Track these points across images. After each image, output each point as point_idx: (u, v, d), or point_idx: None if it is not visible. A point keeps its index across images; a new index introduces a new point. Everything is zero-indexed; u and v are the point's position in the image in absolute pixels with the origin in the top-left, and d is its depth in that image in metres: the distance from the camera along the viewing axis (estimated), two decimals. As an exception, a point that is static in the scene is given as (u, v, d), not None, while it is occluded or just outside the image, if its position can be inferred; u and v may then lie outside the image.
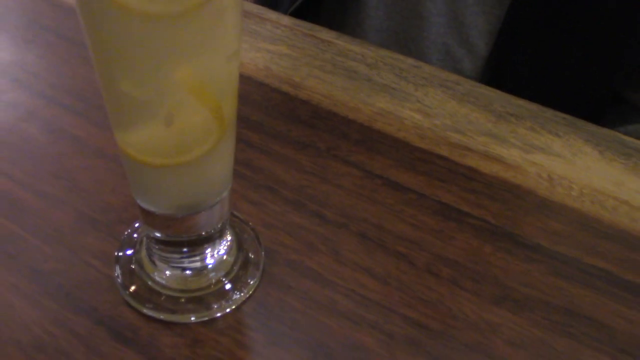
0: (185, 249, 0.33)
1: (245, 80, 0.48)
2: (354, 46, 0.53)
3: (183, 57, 0.24)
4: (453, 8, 0.63)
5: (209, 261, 0.34)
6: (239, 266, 0.36)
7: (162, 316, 0.33)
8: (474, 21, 0.63)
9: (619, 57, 0.62)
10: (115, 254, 0.36)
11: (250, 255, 0.36)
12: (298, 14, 0.66)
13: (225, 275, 0.35)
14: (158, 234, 0.33)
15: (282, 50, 0.52)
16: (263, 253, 0.36)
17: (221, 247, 0.35)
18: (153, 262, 0.35)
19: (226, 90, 0.28)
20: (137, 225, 0.37)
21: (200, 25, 0.23)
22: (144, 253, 0.35)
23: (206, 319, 0.33)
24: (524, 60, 0.63)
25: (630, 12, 0.59)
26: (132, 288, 0.34)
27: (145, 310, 0.33)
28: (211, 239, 0.34)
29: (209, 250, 0.34)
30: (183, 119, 0.26)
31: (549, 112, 0.49)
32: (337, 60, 0.51)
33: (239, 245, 0.36)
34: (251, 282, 0.35)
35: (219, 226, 0.34)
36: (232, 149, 0.31)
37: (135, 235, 0.37)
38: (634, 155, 0.45)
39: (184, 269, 0.34)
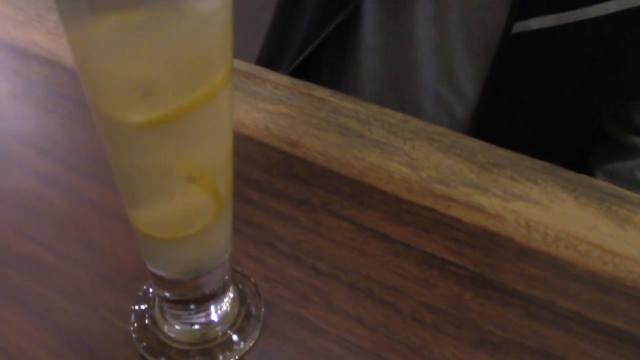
0: (192, 306, 0.38)
1: (247, 140, 0.53)
2: (347, 103, 0.57)
3: (180, 156, 0.28)
4: (442, 58, 0.68)
5: (213, 317, 0.38)
6: (242, 318, 0.40)
7: (173, 368, 0.37)
8: (462, 69, 0.67)
9: (605, 99, 0.66)
10: (131, 309, 0.40)
11: (251, 307, 0.40)
12: (300, 67, 0.71)
13: (230, 327, 0.39)
14: (167, 294, 0.37)
15: (280, 110, 0.56)
16: (263, 306, 0.40)
17: (224, 303, 0.39)
18: (164, 318, 0.39)
19: (222, 175, 0.32)
20: (149, 283, 0.42)
21: (192, 127, 0.28)
22: (156, 309, 0.39)
23: (213, 369, 0.37)
24: (511, 104, 0.67)
25: (614, 55, 0.63)
26: (146, 342, 0.38)
27: (157, 363, 0.37)
28: (215, 296, 0.38)
29: (213, 306, 0.38)
30: (185, 200, 0.31)
31: (528, 160, 0.52)
32: (331, 118, 0.56)
33: (241, 299, 0.40)
34: (253, 334, 0.39)
35: (221, 284, 0.38)
36: (229, 220, 0.35)
37: (150, 291, 0.41)
38: (608, 199, 0.49)
39: (192, 324, 0.38)
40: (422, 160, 0.52)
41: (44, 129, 0.54)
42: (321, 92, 0.59)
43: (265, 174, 0.50)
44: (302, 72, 0.72)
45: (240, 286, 0.41)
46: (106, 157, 0.31)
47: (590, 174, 0.69)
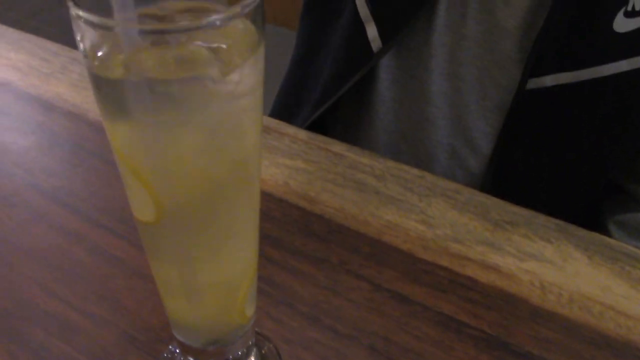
0: (216, 371, 0.39)
1: (266, 196, 0.54)
2: (364, 158, 0.59)
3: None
4: (457, 113, 0.69)
5: (236, 381, 0.39)
6: (263, 380, 0.41)
7: None
8: (476, 124, 0.69)
9: (617, 152, 0.67)
10: (155, 370, 0.41)
11: (272, 370, 0.41)
12: (317, 120, 0.72)
13: (251, 390, 0.40)
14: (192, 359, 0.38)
15: (298, 165, 0.58)
16: (284, 369, 0.41)
17: (247, 367, 0.40)
18: (189, 381, 0.40)
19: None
20: (174, 344, 0.43)
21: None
22: (180, 371, 0.40)
23: None
24: (524, 158, 0.68)
25: (626, 111, 0.64)
26: (170, 405, 0.39)
27: None
28: (238, 361, 0.39)
29: (236, 371, 0.39)
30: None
31: (541, 218, 0.53)
32: (347, 173, 0.57)
33: (262, 361, 0.41)
34: (274, 397, 0.40)
35: (245, 350, 0.39)
36: (254, 296, 0.37)
37: (176, 351, 0.42)
38: (620, 259, 0.50)
39: (216, 387, 0.39)
40: (437, 217, 0.53)
41: (69, 184, 0.56)
42: (338, 146, 0.60)
43: (284, 231, 0.51)
44: (318, 123, 0.73)
45: (262, 351, 0.42)
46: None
47: (602, 224, 0.70)
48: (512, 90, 0.65)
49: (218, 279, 0.33)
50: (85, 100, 0.65)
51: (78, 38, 0.26)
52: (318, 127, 0.76)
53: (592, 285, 0.48)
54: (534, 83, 0.63)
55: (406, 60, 0.69)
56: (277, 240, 0.51)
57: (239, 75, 0.26)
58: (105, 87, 0.26)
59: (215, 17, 0.24)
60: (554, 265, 0.49)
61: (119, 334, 0.44)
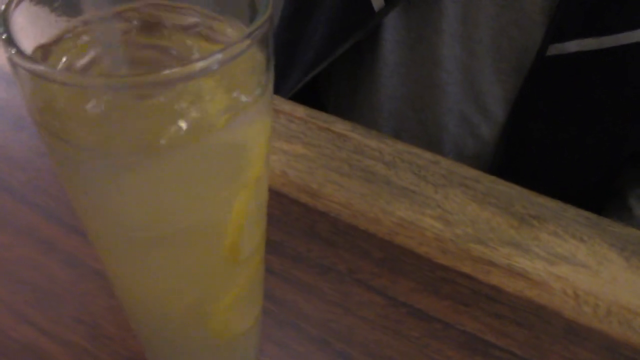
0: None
1: (263, 190, 0.48)
2: (370, 140, 0.52)
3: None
4: (469, 78, 0.62)
5: None
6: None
7: None
8: (490, 90, 0.62)
9: (639, 126, 0.61)
10: (144, 411, 0.36)
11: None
12: (311, 83, 0.65)
13: None
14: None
15: (297, 150, 0.51)
16: (291, 408, 0.36)
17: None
18: None
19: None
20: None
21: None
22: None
23: None
24: (540, 126, 0.62)
25: None
26: None
27: None
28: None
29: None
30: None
31: (570, 211, 0.48)
32: (353, 160, 0.51)
33: (266, 399, 0.36)
34: None
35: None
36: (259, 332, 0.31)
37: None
38: (660, 259, 0.45)
39: None
40: (456, 213, 0.47)
41: (36, 178, 0.49)
42: (341, 125, 0.54)
43: (285, 234, 0.45)
44: (311, 87, 0.66)
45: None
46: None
47: (622, 198, 0.65)
48: (531, 55, 0.59)
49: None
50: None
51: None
52: (310, 91, 0.69)
53: (631, 293, 0.43)
54: (555, 49, 0.56)
55: (413, 21, 0.61)
56: (278, 244, 0.45)
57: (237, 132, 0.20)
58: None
59: (215, 56, 0.17)
60: (588, 270, 0.44)
61: (101, 368, 0.38)
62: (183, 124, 0.19)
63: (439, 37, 0.60)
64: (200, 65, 0.17)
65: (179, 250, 0.23)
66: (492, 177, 0.50)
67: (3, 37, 0.18)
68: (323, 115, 0.54)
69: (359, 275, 0.43)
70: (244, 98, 0.20)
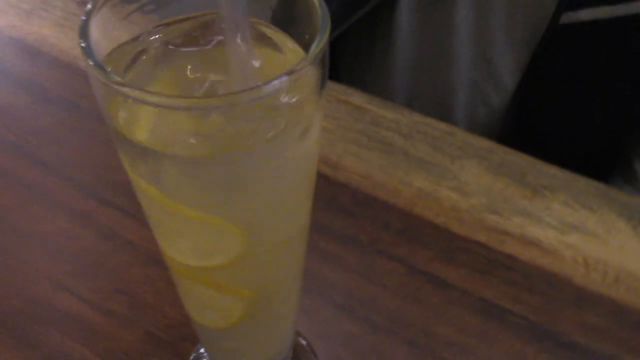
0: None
1: (285, 162, 0.50)
2: (387, 112, 0.54)
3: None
4: (481, 46, 0.63)
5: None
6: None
7: None
8: (502, 58, 0.63)
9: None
10: (184, 375, 0.39)
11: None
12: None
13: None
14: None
15: (317, 123, 0.53)
16: (322, 371, 0.39)
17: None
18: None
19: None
20: (200, 344, 0.40)
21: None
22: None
23: None
24: (551, 95, 0.64)
25: None
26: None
27: None
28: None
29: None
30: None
31: (581, 182, 0.50)
32: (371, 131, 0.52)
33: (297, 362, 0.39)
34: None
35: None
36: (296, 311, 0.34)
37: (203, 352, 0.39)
38: (666, 228, 0.47)
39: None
40: (471, 183, 0.49)
41: (68, 152, 0.51)
42: (358, 98, 0.55)
43: (308, 205, 0.47)
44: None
45: (297, 349, 0.39)
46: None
47: (628, 161, 0.67)
48: (544, 24, 0.60)
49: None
50: (73, 45, 0.58)
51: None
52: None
53: (639, 261, 0.45)
54: (568, 17, 0.57)
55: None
56: (302, 216, 0.47)
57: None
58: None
59: (284, 78, 0.19)
60: (598, 238, 0.46)
61: (141, 334, 0.41)
62: (256, 133, 0.21)
63: (453, 6, 0.61)
64: (275, 84, 0.19)
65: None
66: (505, 148, 0.52)
67: (82, 45, 0.20)
68: (340, 87, 0.56)
69: (380, 245, 0.45)
70: (306, 109, 0.22)
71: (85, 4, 0.21)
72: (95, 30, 0.20)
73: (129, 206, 0.47)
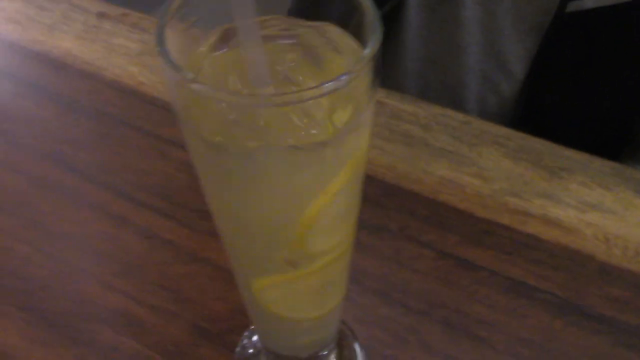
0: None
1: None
2: (405, 105, 0.56)
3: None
4: (490, 37, 0.65)
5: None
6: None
7: None
8: (510, 48, 0.65)
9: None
10: (233, 363, 0.41)
11: (350, 355, 0.41)
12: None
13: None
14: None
15: (338, 118, 0.55)
16: (362, 352, 0.41)
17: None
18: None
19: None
20: (246, 334, 0.42)
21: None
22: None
23: None
24: (560, 82, 0.66)
25: None
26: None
27: None
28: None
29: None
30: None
31: (596, 162, 0.52)
32: (392, 125, 0.54)
33: (340, 347, 0.41)
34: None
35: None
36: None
37: (255, 341, 0.41)
38: (681, 202, 0.49)
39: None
40: (491, 169, 0.51)
41: (100, 157, 0.53)
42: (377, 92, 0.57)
43: (337, 198, 0.49)
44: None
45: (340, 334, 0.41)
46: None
47: (638, 140, 0.69)
48: (551, 12, 0.62)
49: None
50: (96, 56, 0.60)
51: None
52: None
53: (656, 235, 0.47)
54: (574, 5, 0.59)
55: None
56: (331, 208, 0.49)
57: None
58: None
59: (342, 79, 0.21)
60: (616, 215, 0.48)
61: (188, 327, 0.43)
62: (312, 130, 0.23)
63: (461, 0, 0.63)
64: (331, 85, 0.21)
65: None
66: (521, 134, 0.54)
67: (158, 50, 0.22)
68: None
69: (409, 232, 0.47)
70: (358, 109, 0.24)
71: (103, 16, 0.23)
72: (168, 38, 0.22)
73: (164, 207, 0.49)
